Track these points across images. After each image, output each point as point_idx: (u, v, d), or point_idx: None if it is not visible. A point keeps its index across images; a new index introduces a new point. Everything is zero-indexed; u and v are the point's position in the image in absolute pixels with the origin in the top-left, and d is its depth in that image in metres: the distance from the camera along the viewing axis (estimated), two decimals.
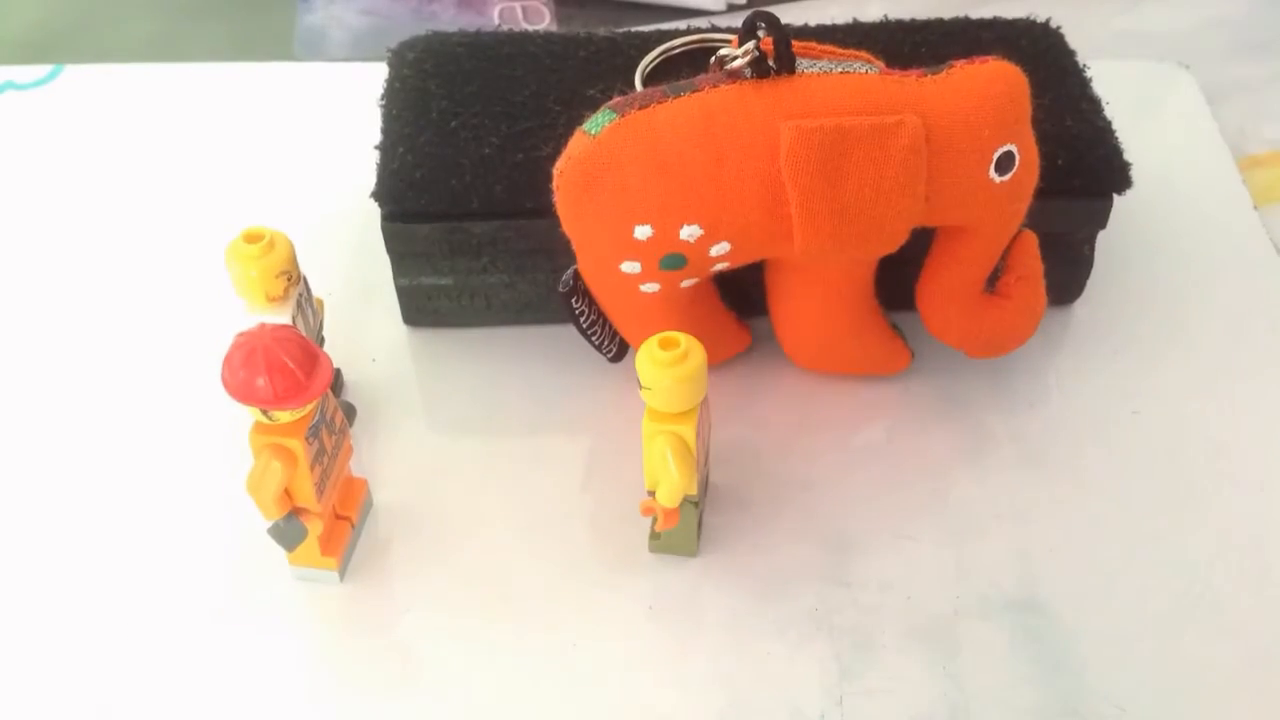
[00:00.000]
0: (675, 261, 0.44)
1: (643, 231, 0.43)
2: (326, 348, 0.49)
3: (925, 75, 0.44)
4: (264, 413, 0.40)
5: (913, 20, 0.54)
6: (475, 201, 0.48)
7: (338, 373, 0.50)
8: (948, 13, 0.55)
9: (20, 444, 0.49)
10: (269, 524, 0.42)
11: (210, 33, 0.71)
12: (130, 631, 0.44)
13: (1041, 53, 0.52)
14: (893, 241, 0.44)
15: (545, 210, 0.45)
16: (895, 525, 0.46)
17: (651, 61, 0.52)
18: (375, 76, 0.53)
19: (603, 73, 0.51)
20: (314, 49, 0.69)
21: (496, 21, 0.70)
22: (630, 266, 0.45)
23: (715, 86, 0.43)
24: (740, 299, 0.50)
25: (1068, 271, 0.52)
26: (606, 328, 0.48)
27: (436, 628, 0.44)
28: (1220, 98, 0.64)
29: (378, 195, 0.49)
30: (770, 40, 0.43)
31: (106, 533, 0.46)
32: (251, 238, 0.44)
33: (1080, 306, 0.54)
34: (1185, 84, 0.64)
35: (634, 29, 0.55)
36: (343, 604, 0.44)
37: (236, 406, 0.40)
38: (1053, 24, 0.54)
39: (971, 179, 0.43)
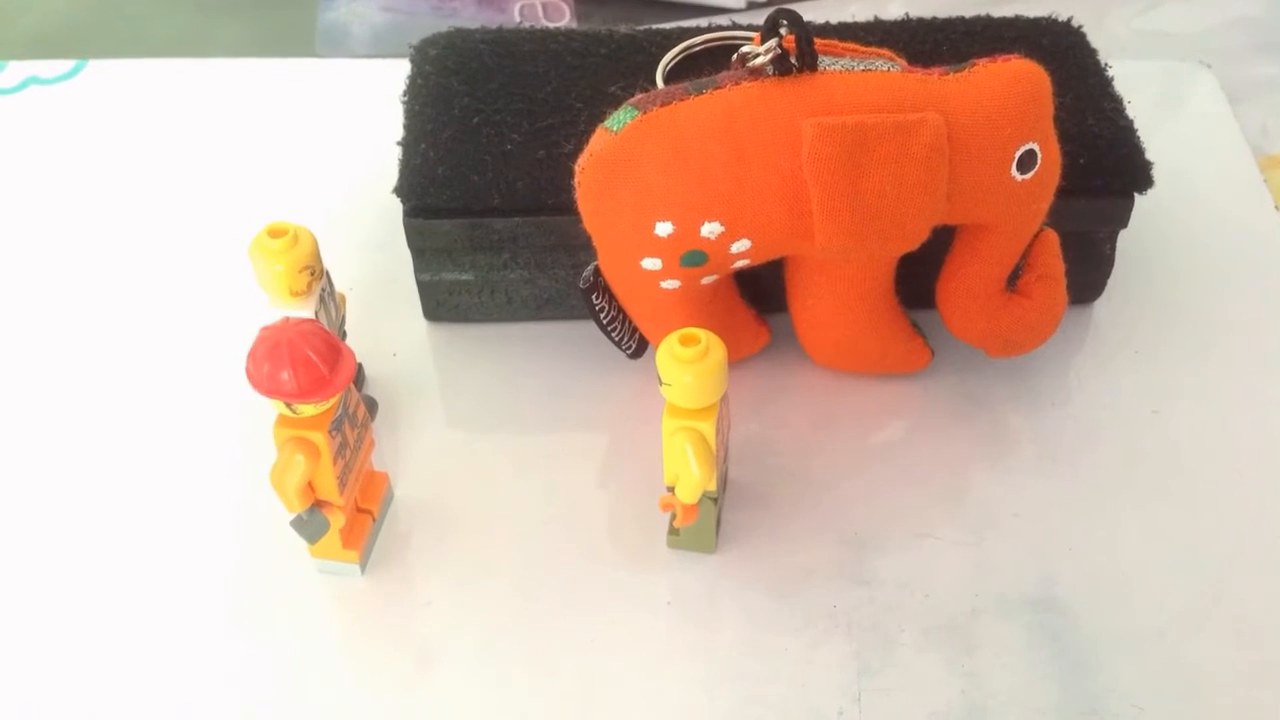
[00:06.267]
0: (696, 258, 0.44)
1: (664, 228, 0.44)
2: (348, 342, 0.49)
3: (947, 73, 0.44)
4: (288, 406, 0.40)
5: (934, 18, 0.54)
6: (497, 198, 0.49)
7: (359, 367, 0.50)
8: (969, 11, 0.55)
9: (45, 436, 0.50)
10: (292, 516, 0.43)
11: (232, 29, 0.71)
12: (152, 623, 0.44)
13: (1063, 51, 0.52)
14: (914, 239, 0.44)
15: (566, 206, 0.46)
16: (914, 523, 0.46)
17: (673, 59, 0.52)
18: (397, 73, 0.53)
19: (624, 70, 0.51)
20: (336, 45, 0.70)
21: (517, 19, 0.70)
22: (651, 263, 0.45)
23: (737, 84, 0.43)
24: (760, 296, 0.50)
25: (1088, 270, 0.52)
26: (626, 324, 0.48)
27: (456, 621, 0.44)
28: (1241, 97, 0.64)
29: (400, 191, 0.49)
30: (792, 38, 0.43)
31: (130, 525, 0.47)
32: (276, 233, 0.45)
33: (1101, 306, 0.54)
34: (1206, 83, 0.64)
35: (655, 26, 0.55)
36: (363, 596, 0.45)
37: (260, 400, 0.40)
38: (1074, 23, 0.54)
39: (993, 177, 0.43)
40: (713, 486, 0.43)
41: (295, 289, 0.45)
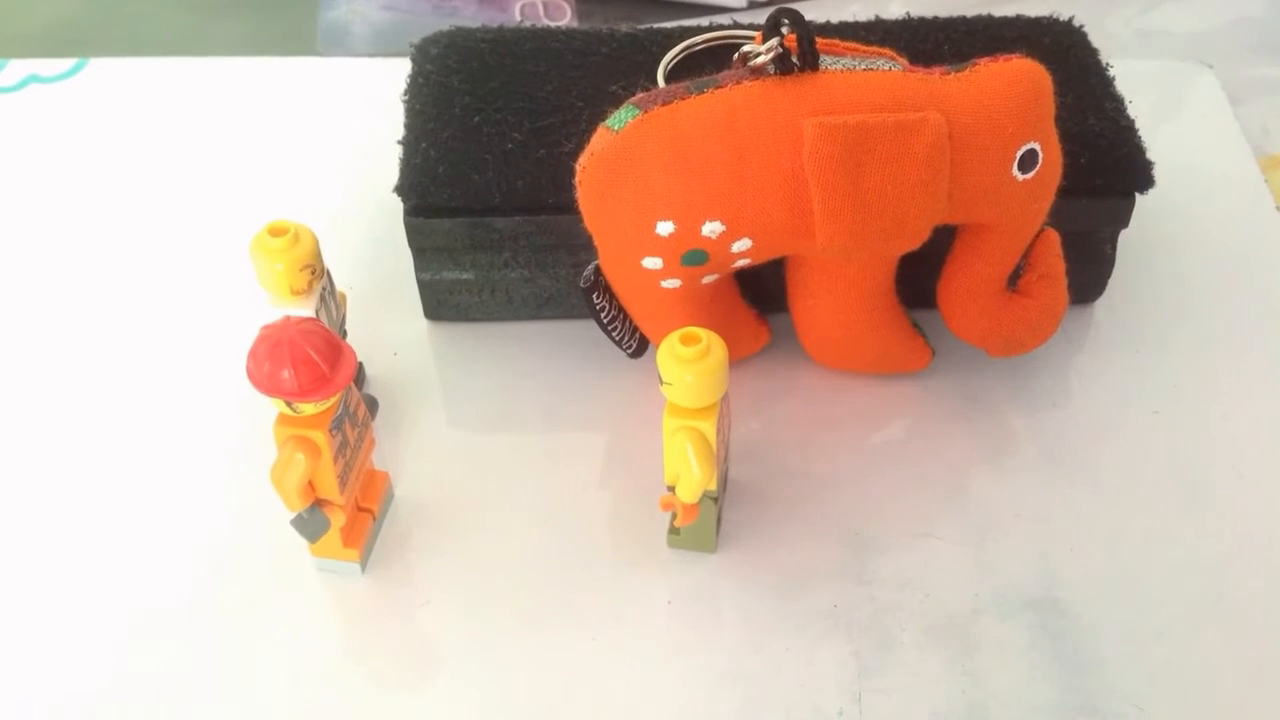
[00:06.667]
0: (697, 257, 0.44)
1: (665, 227, 0.44)
2: (348, 341, 0.49)
3: (949, 73, 0.44)
4: (288, 405, 0.40)
5: (935, 18, 0.54)
6: (497, 197, 0.49)
7: (360, 366, 0.50)
8: (970, 10, 0.55)
9: (45, 435, 0.50)
10: (292, 515, 0.43)
11: (233, 27, 0.71)
12: (153, 621, 0.44)
13: (1064, 51, 0.52)
14: (915, 239, 0.44)
15: (567, 206, 0.46)
16: (914, 523, 0.46)
17: (674, 58, 0.52)
18: (398, 72, 0.53)
19: (625, 69, 0.51)
20: (336, 44, 0.70)
21: (518, 18, 0.70)
22: (652, 262, 0.45)
23: (739, 83, 0.43)
24: (761, 295, 0.50)
25: (1089, 270, 0.52)
26: (627, 323, 0.48)
27: (456, 620, 0.44)
28: (1242, 97, 0.64)
29: (401, 190, 0.49)
30: (794, 37, 0.43)
31: (130, 523, 0.47)
32: (276, 231, 0.45)
33: (1102, 305, 0.54)
34: (1207, 83, 0.64)
35: (656, 25, 0.55)
36: (364, 595, 0.45)
37: (261, 399, 0.40)
38: (1075, 22, 0.54)
39: (994, 177, 0.43)
40: (713, 486, 0.43)
41: (296, 287, 0.45)
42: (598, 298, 0.47)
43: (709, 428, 0.42)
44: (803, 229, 0.43)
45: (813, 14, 0.49)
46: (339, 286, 0.49)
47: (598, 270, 0.47)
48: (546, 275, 0.51)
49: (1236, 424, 0.49)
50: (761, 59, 0.43)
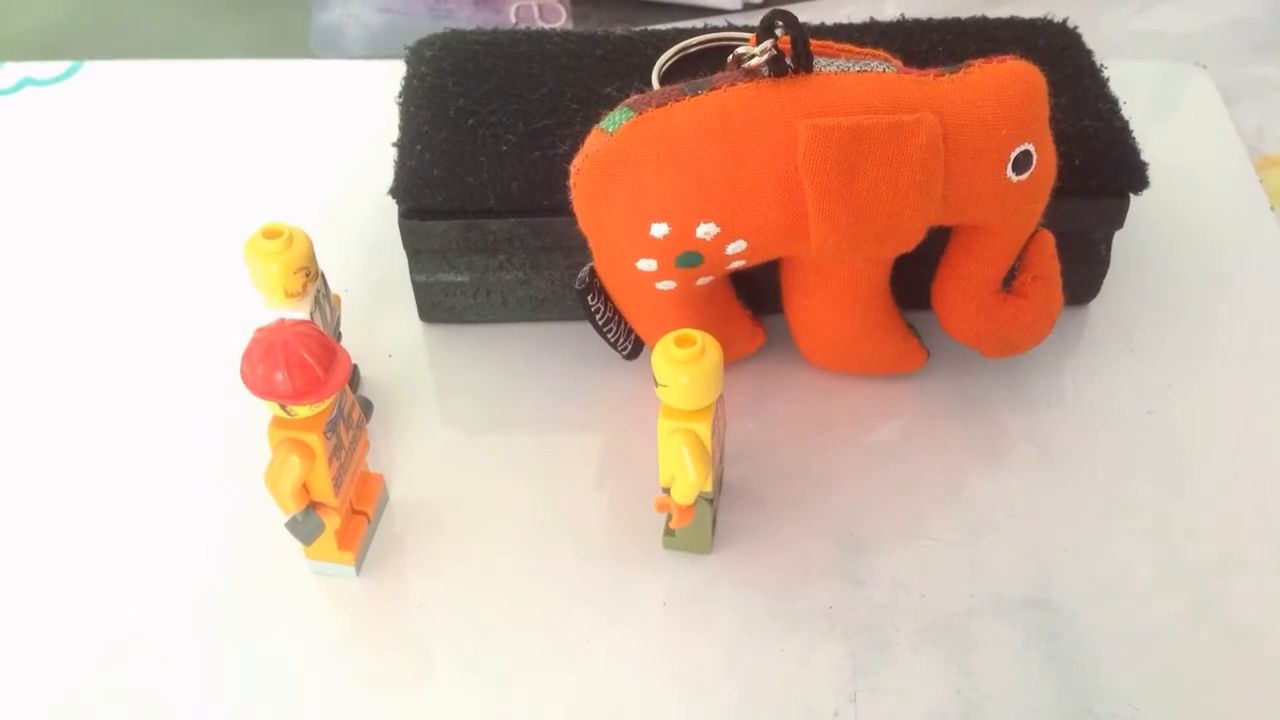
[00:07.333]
0: (691, 259, 0.44)
1: (659, 229, 0.44)
2: (343, 343, 0.49)
3: (943, 74, 0.44)
4: (283, 407, 0.40)
5: (929, 19, 0.54)
6: (492, 199, 0.49)
7: (354, 368, 0.50)
8: (964, 12, 0.56)
9: (38, 439, 0.50)
10: (287, 518, 0.43)
11: (228, 30, 0.71)
12: (147, 624, 0.44)
13: (1059, 52, 0.52)
14: (909, 240, 0.44)
15: (562, 207, 0.46)
16: (910, 524, 0.46)
17: (668, 60, 0.52)
18: (392, 74, 0.53)
19: (620, 71, 0.51)
20: (330, 46, 0.70)
21: (513, 20, 0.70)
22: (646, 264, 0.45)
23: (733, 85, 0.43)
24: (756, 297, 0.50)
25: (1084, 271, 0.52)
26: (622, 325, 0.48)
27: (451, 622, 0.44)
28: (1237, 98, 0.64)
29: (395, 192, 0.49)
30: (788, 39, 0.43)
31: (124, 526, 0.47)
32: (271, 234, 0.45)
33: (1096, 306, 0.54)
34: (1202, 84, 0.64)
35: (650, 27, 0.55)
36: (359, 598, 0.45)
37: (255, 401, 0.40)
38: (1070, 24, 0.54)
39: (989, 178, 0.43)
40: (708, 487, 0.43)
41: (290, 290, 0.45)
42: (592, 300, 0.47)
43: (704, 429, 0.42)
44: (797, 231, 0.43)
45: (807, 15, 0.49)
46: (334, 289, 0.49)
47: (592, 272, 0.47)
48: (541, 277, 0.51)
49: (1231, 424, 0.49)
50: (756, 61, 0.43)
